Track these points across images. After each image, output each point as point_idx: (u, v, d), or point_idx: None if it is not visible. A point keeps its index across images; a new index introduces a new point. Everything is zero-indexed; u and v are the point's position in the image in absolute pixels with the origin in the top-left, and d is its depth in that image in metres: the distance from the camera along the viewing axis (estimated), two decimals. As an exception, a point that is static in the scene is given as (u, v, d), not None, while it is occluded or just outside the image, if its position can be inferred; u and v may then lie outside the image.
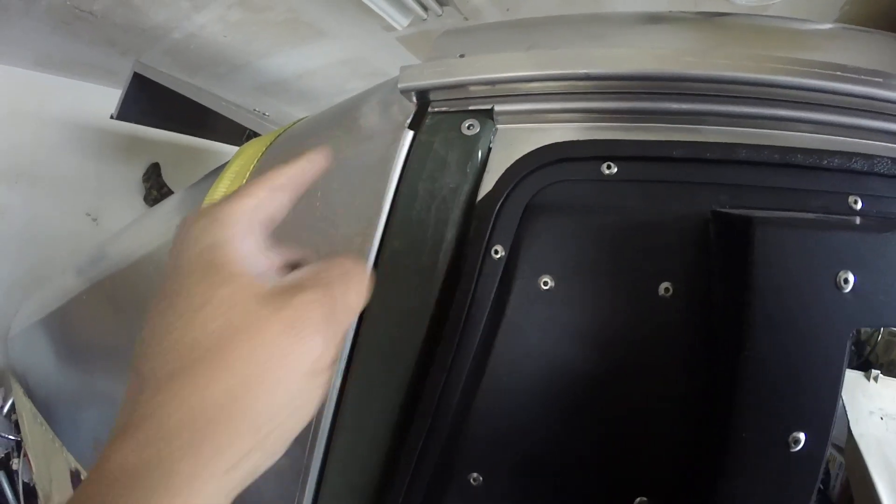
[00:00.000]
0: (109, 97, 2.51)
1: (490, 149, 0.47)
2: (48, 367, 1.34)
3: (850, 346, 0.40)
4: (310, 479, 0.52)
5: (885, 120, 0.44)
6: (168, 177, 3.14)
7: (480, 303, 0.43)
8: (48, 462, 1.30)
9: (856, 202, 0.44)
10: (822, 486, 1.52)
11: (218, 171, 0.90)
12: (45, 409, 1.27)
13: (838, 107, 0.43)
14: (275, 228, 0.56)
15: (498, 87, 0.46)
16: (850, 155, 0.44)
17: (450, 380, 0.44)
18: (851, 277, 0.36)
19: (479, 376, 0.43)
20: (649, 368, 0.41)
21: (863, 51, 0.50)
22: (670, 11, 0.57)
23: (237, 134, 2.40)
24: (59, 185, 2.62)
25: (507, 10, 2.10)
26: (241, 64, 2.61)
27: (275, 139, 0.72)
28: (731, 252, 0.38)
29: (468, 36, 0.57)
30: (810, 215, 0.41)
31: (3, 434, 1.83)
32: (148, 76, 1.79)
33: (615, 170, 0.43)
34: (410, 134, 0.49)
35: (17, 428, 1.79)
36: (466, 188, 0.46)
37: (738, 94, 0.43)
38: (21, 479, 1.82)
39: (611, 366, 0.42)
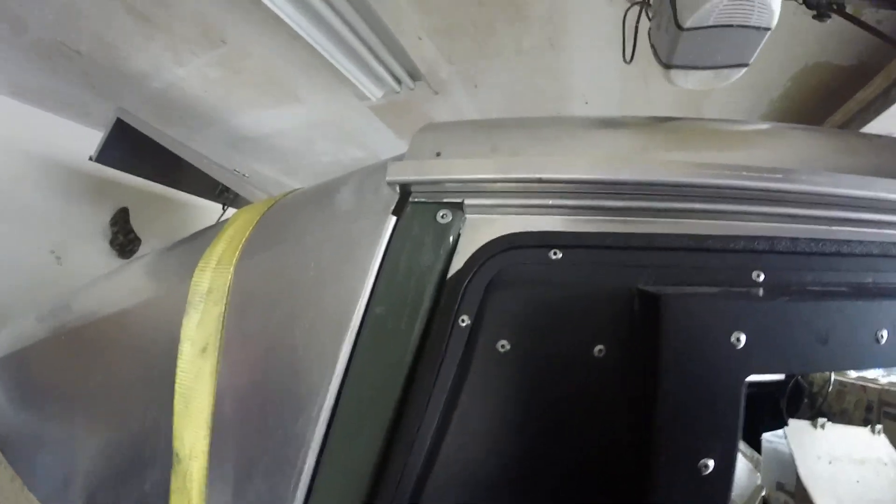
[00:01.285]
0: (82, 136, 2.54)
1: (460, 234, 0.59)
2: (8, 408, 1.34)
3: (745, 388, 0.51)
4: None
5: (784, 206, 0.57)
6: (136, 223, 3.15)
7: (449, 361, 0.53)
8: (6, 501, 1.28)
9: (758, 275, 0.56)
10: None
11: (195, 238, 0.98)
12: (6, 448, 1.26)
13: (743, 199, 0.56)
14: (273, 291, 0.66)
15: (467, 185, 0.58)
16: (753, 238, 0.57)
17: (422, 426, 0.53)
18: (743, 337, 0.49)
19: (446, 423, 0.53)
20: (588, 416, 0.52)
21: (781, 147, 0.64)
22: (623, 116, 0.71)
23: (210, 188, 2.47)
24: (24, 218, 2.57)
25: (475, 85, 2.29)
26: (215, 118, 2.71)
27: (267, 209, 0.82)
28: (649, 320, 0.50)
29: (444, 133, 0.69)
30: (713, 289, 0.54)
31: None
32: (131, 123, 1.86)
33: (560, 255, 0.55)
34: (394, 219, 0.61)
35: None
36: (439, 267, 0.57)
37: (659, 193, 0.56)
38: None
39: (556, 415, 0.52)
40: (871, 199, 0.57)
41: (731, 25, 0.94)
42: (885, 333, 0.54)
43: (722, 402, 0.49)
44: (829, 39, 1.86)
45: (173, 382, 0.77)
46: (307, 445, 0.60)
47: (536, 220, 0.58)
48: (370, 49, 1.95)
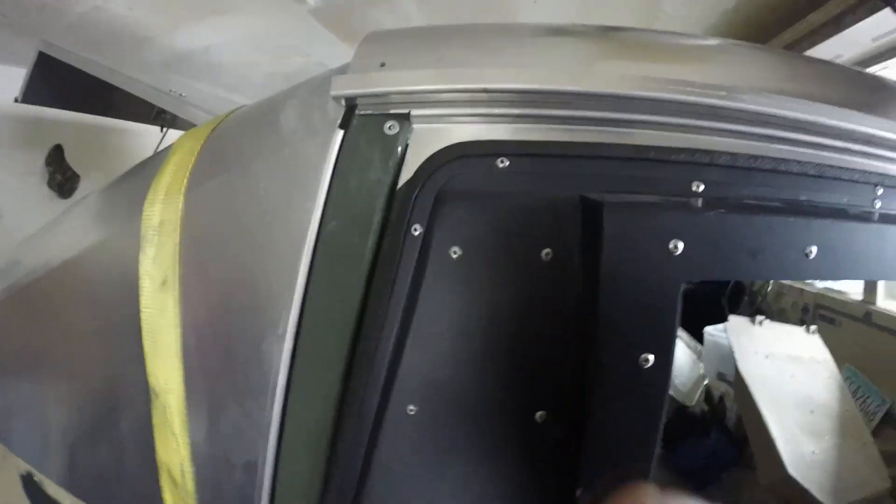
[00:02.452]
0: (7, 77, 2.39)
1: (407, 145, 0.60)
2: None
3: (682, 293, 0.56)
4: (271, 433, 0.64)
5: (726, 122, 0.61)
6: (72, 159, 3.03)
7: (404, 269, 0.57)
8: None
9: (698, 186, 0.60)
10: (719, 418, 1.79)
11: (139, 170, 0.97)
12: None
13: (686, 113, 0.59)
14: (226, 218, 0.67)
15: (413, 96, 0.59)
16: (694, 151, 0.61)
17: (383, 333, 0.57)
18: (681, 245, 0.54)
19: (406, 329, 0.58)
20: (537, 315, 0.57)
21: (727, 64, 0.67)
22: (572, 24, 0.72)
23: (146, 112, 2.37)
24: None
25: (424, -16, 2.19)
26: (145, 39, 2.54)
27: (210, 132, 0.81)
28: (592, 227, 0.54)
29: (388, 43, 0.69)
30: (654, 198, 0.58)
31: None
32: (55, 56, 1.75)
33: (507, 164, 0.57)
34: (341, 133, 0.62)
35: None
36: (388, 179, 0.59)
37: (603, 104, 0.58)
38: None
39: (508, 314, 0.57)
40: (809, 123, 0.61)
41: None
42: (813, 249, 0.60)
43: (660, 303, 0.55)
44: None
45: (138, 321, 0.79)
46: (276, 365, 0.64)
47: (483, 128, 0.60)
48: (306, -52, 1.83)
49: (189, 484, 0.75)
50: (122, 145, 3.34)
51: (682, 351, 2.05)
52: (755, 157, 0.63)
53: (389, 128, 0.60)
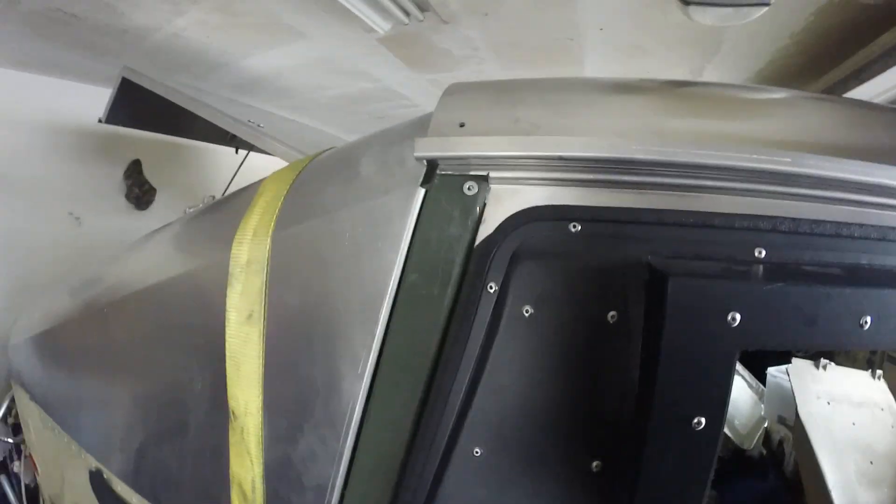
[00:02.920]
0: (90, 96, 2.60)
1: (485, 205, 0.65)
2: (56, 377, 1.49)
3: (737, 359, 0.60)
4: (343, 461, 0.70)
5: (790, 186, 0.62)
6: (150, 173, 3.25)
7: (479, 323, 0.62)
8: (60, 464, 1.44)
9: (760, 252, 0.63)
10: (777, 462, 1.74)
11: (234, 199, 1.05)
12: (56, 414, 1.41)
13: (750, 178, 0.62)
14: (311, 262, 0.74)
15: (491, 160, 0.64)
16: (757, 217, 0.63)
17: (456, 379, 0.62)
18: (738, 316, 0.57)
19: (477, 377, 0.62)
20: (600, 373, 0.62)
21: (794, 119, 0.69)
22: (640, 80, 0.75)
23: (221, 135, 2.52)
24: (39, 186, 2.71)
25: (486, 14, 2.25)
26: (221, 63, 2.72)
27: (296, 177, 0.88)
28: (656, 294, 0.58)
29: (468, 98, 0.74)
30: (717, 267, 0.61)
31: (1, 437, 1.94)
32: (136, 82, 1.90)
33: (578, 228, 0.62)
34: (422, 192, 0.67)
35: (14, 431, 1.92)
36: (467, 236, 0.64)
37: (670, 170, 0.62)
38: (23, 480, 1.95)
39: (573, 371, 0.62)
40: (873, 185, 0.62)
41: (750, -39, 0.91)
42: (868, 320, 0.61)
43: (715, 370, 0.58)
44: None
45: (222, 347, 0.87)
46: (354, 400, 0.70)
47: (558, 191, 0.64)
48: (375, -18, 1.93)
49: (259, 499, 0.82)
50: (198, 162, 3.56)
51: (744, 391, 1.98)
52: (817, 222, 0.64)
53: (469, 188, 0.65)
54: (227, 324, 0.87)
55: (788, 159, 0.60)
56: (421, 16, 2.20)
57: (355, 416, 0.70)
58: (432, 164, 0.68)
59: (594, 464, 0.62)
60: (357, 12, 2.05)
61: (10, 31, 2.17)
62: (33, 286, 2.18)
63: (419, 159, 0.67)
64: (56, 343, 1.46)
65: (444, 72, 3.04)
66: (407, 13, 2.15)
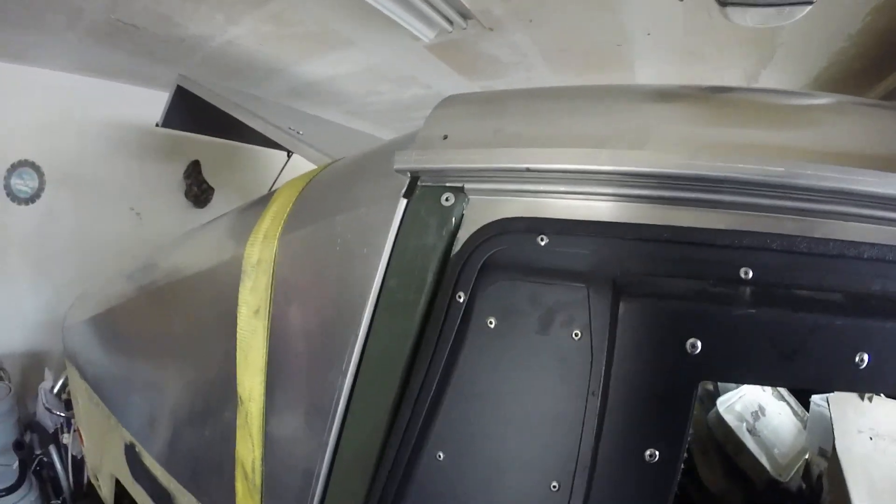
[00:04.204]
0: (151, 99, 2.79)
1: (463, 216, 0.68)
2: (102, 356, 1.61)
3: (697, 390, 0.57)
4: (328, 449, 0.75)
5: (782, 200, 0.56)
6: (208, 173, 3.45)
7: (447, 332, 0.64)
8: (101, 437, 1.56)
9: (746, 273, 0.56)
10: (815, 497, 1.64)
11: (257, 203, 1.13)
12: (101, 390, 1.54)
13: (735, 191, 0.56)
14: (309, 263, 0.79)
15: (466, 172, 0.67)
16: (743, 233, 0.58)
17: (424, 384, 0.65)
18: (699, 344, 0.54)
19: (444, 384, 0.65)
20: (562, 391, 0.61)
21: (779, 126, 0.62)
22: (632, 86, 0.75)
23: (269, 139, 2.63)
24: (103, 184, 2.94)
25: (531, 20, 2.27)
26: (274, 69, 2.86)
27: (305, 186, 0.94)
28: (614, 312, 0.57)
29: (457, 111, 0.77)
30: (679, 286, 0.57)
31: (55, 411, 2.11)
32: (190, 90, 2.03)
33: (546, 241, 0.62)
34: (404, 202, 0.71)
35: (66, 406, 2.09)
36: (442, 246, 0.67)
37: (642, 182, 0.59)
38: (70, 452, 2.11)
39: (534, 387, 0.62)
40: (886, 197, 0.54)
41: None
42: (865, 357, 0.53)
43: (671, 401, 0.56)
44: None
45: (235, 337, 0.93)
46: (339, 392, 0.74)
47: (532, 203, 0.65)
48: (417, -8, 1.99)
49: (258, 479, 0.88)
50: (254, 164, 3.76)
51: (788, 418, 1.89)
52: (818, 241, 0.57)
53: (446, 199, 0.68)
54: (238, 317, 0.93)
55: (781, 169, 0.53)
56: (464, 23, 2.24)
57: (339, 409, 0.74)
58: (414, 176, 0.71)
59: (552, 484, 0.60)
60: (401, 21, 2.11)
61: (74, 39, 2.37)
62: (95, 278, 2.35)
63: (399, 171, 0.70)
64: (102, 326, 1.58)
65: (494, 78, 3.07)
66: (450, 21, 2.20)
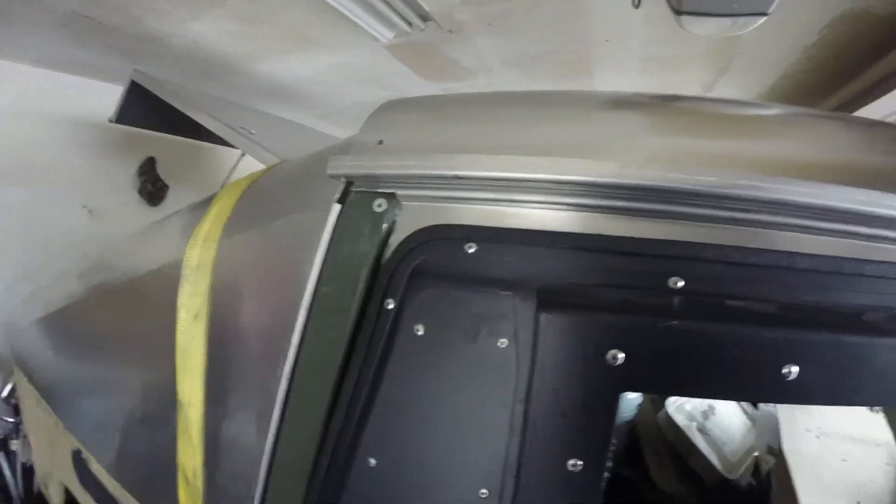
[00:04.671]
0: (107, 93, 2.69)
1: (395, 222, 0.68)
2: (50, 359, 1.56)
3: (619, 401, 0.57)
4: (265, 455, 0.74)
5: (714, 209, 0.56)
6: (163, 171, 3.36)
7: (377, 339, 0.64)
8: (50, 443, 1.52)
9: (676, 283, 0.56)
10: (765, 494, 1.68)
11: (200, 204, 1.11)
12: (48, 395, 1.49)
13: (668, 200, 0.57)
14: (247, 268, 0.77)
15: (398, 178, 0.66)
16: (673, 243, 0.58)
17: (355, 391, 0.65)
18: (621, 356, 0.54)
19: (374, 391, 0.64)
20: (488, 400, 0.61)
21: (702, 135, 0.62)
22: (565, 93, 0.75)
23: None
24: (56, 179, 2.82)
25: (490, 24, 2.28)
26: (235, 68, 2.81)
27: (245, 190, 0.93)
28: (537, 322, 0.57)
29: (394, 117, 0.76)
30: (602, 296, 0.58)
31: (3, 416, 2.04)
32: (144, 85, 1.98)
33: (474, 249, 0.62)
34: (338, 207, 0.70)
35: (15, 411, 2.02)
36: (373, 252, 0.67)
37: (570, 190, 0.59)
38: (20, 459, 2.05)
39: (460, 396, 0.62)
40: (821, 208, 0.54)
41: (743, -28, 0.86)
42: (794, 369, 0.54)
43: (592, 412, 0.56)
44: None
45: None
46: (274, 398, 0.73)
47: (462, 210, 0.65)
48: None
49: (200, 484, 0.87)
50: (210, 161, 3.67)
51: (737, 418, 1.92)
52: (751, 251, 0.57)
53: (378, 205, 0.67)
54: (178, 321, 0.91)
55: (713, 178, 0.54)
56: (423, 25, 2.23)
57: (275, 414, 0.73)
58: (348, 182, 0.70)
59: (481, 491, 0.60)
60: (359, 21, 2.10)
61: (31, 30, 2.28)
62: (45, 275, 2.27)
63: (334, 176, 0.70)
64: (49, 328, 1.54)
65: (455, 81, 3.07)
66: (409, 23, 2.19)
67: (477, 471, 0.61)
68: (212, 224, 0.90)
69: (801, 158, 0.59)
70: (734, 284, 0.57)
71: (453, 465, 0.63)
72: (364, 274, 0.67)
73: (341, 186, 0.71)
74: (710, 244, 0.58)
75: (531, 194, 0.62)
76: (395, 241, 0.67)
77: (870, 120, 0.72)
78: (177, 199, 3.44)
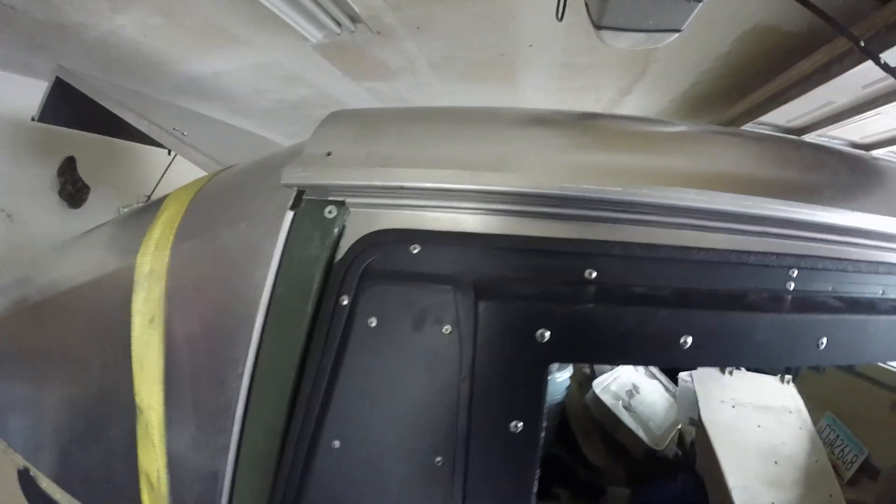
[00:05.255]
0: (25, 88, 2.56)
1: (344, 227, 0.74)
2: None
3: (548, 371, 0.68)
4: (230, 452, 0.79)
5: (621, 212, 0.69)
6: (83, 171, 3.21)
7: (333, 333, 0.71)
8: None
9: (590, 274, 0.70)
10: (690, 462, 1.84)
11: (146, 210, 1.12)
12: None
13: (579, 205, 0.69)
14: (202, 273, 0.82)
15: (347, 188, 0.73)
16: (584, 241, 0.70)
17: (315, 382, 0.71)
18: (548, 333, 0.65)
19: (333, 380, 0.71)
20: (437, 380, 0.69)
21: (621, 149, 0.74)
22: (499, 110, 0.84)
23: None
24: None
25: (418, 27, 2.34)
26: (159, 63, 2.73)
27: (195, 194, 0.96)
28: (476, 310, 0.67)
29: (340, 128, 0.82)
30: (530, 287, 0.69)
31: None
32: (70, 83, 1.92)
33: (418, 250, 0.70)
34: (291, 214, 0.76)
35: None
36: (325, 255, 0.73)
37: (501, 199, 0.70)
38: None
39: (412, 378, 0.71)
40: (700, 210, 0.67)
41: (658, -5, 0.94)
42: (688, 340, 0.67)
43: (528, 380, 0.67)
44: (779, 3, 1.90)
45: (130, 348, 0.94)
46: (236, 397, 0.78)
47: (405, 216, 0.73)
48: (305, -7, 2.00)
49: (163, 488, 0.90)
50: (133, 161, 3.53)
51: (660, 395, 2.09)
52: (651, 246, 0.70)
53: (329, 212, 0.74)
54: (132, 327, 0.94)
55: (619, 188, 0.66)
56: (353, 27, 2.27)
57: (238, 411, 0.78)
58: (300, 190, 0.76)
59: (437, 459, 0.69)
60: (289, 20, 2.11)
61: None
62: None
63: (287, 185, 0.75)
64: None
65: (381, 81, 3.11)
66: (339, 23, 2.22)
67: (431, 442, 0.70)
68: (162, 230, 0.93)
69: (694, 169, 0.72)
70: (637, 274, 0.71)
71: (410, 440, 0.71)
72: (318, 274, 0.73)
73: (293, 195, 0.76)
74: (617, 241, 0.71)
75: (463, 202, 0.72)
76: (345, 244, 0.74)
77: (758, 133, 0.87)
78: (98, 200, 3.30)
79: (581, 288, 0.70)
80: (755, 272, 0.74)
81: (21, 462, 1.25)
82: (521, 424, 0.67)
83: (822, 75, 2.17)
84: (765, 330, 0.71)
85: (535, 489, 0.69)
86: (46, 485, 1.18)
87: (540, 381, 0.67)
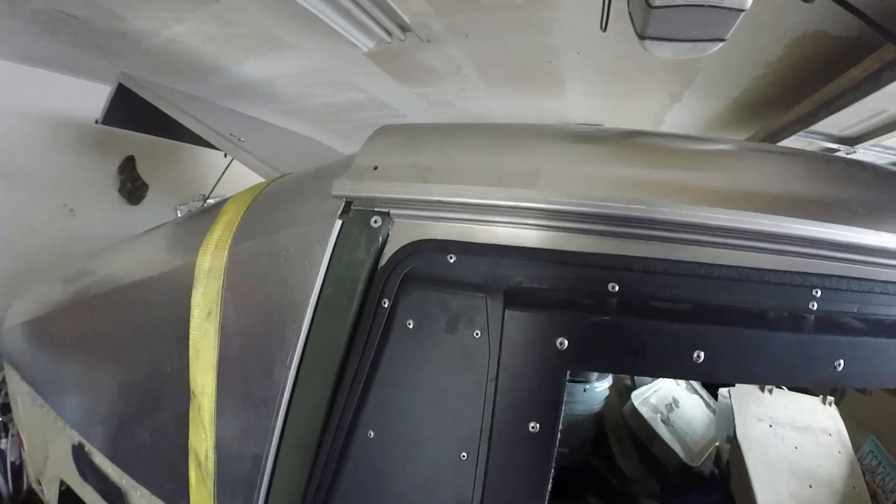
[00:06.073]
0: (90, 91, 2.78)
1: (388, 235, 0.84)
2: (46, 359, 1.68)
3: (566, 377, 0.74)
4: (274, 436, 0.89)
5: (644, 229, 0.74)
6: (142, 170, 3.45)
7: (374, 332, 0.81)
8: (45, 440, 1.63)
9: (613, 287, 0.76)
10: (724, 481, 1.83)
11: (206, 212, 1.25)
12: (44, 393, 1.60)
13: (607, 222, 0.74)
14: (257, 272, 0.93)
15: (392, 200, 0.82)
16: (608, 256, 0.76)
17: (356, 375, 0.81)
18: (566, 342, 0.72)
19: (372, 375, 0.81)
20: (467, 380, 0.77)
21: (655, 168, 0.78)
22: (537, 126, 0.92)
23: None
24: (36, 178, 2.90)
25: (466, 35, 2.44)
26: (214, 68, 2.93)
27: (253, 200, 1.08)
28: (504, 317, 0.75)
29: (387, 143, 0.91)
30: (551, 297, 0.76)
31: (-9, 416, 2.12)
32: (132, 88, 2.09)
33: (454, 259, 0.79)
34: (339, 222, 0.86)
35: (3, 410, 2.10)
36: (370, 260, 0.83)
37: (526, 214, 0.77)
38: (8, 458, 2.13)
39: (444, 377, 0.79)
40: (719, 228, 0.71)
41: (701, 5, 0.99)
42: (701, 354, 0.70)
43: (546, 385, 0.74)
44: (829, 9, 1.86)
45: (187, 338, 1.06)
46: (282, 386, 0.89)
47: (444, 227, 0.82)
48: (358, 4, 2.11)
49: (210, 466, 1.02)
50: (190, 160, 3.77)
51: (700, 410, 2.10)
52: (672, 262, 0.74)
53: (374, 222, 0.84)
54: (191, 319, 1.06)
55: (643, 206, 0.71)
56: (403, 35, 2.38)
57: (284, 399, 0.89)
58: (348, 201, 0.86)
59: (462, 454, 0.77)
60: (341, 30, 2.23)
61: (14, 27, 2.36)
62: (28, 272, 2.35)
63: (335, 196, 0.86)
64: (47, 328, 1.65)
65: (430, 86, 3.23)
66: (389, 33, 2.33)
67: (458, 438, 0.78)
68: (222, 232, 1.05)
69: (719, 186, 0.76)
70: (657, 288, 0.76)
71: (439, 434, 0.80)
72: (362, 278, 0.83)
73: (342, 205, 0.87)
74: (639, 257, 0.76)
75: (496, 216, 0.80)
76: (388, 251, 0.84)
77: (790, 149, 0.90)
78: (156, 197, 3.54)
79: (605, 300, 0.76)
80: (776, 290, 0.76)
81: (77, 438, 1.41)
82: (538, 425, 0.74)
83: (873, 83, 2.13)
84: (779, 348, 0.73)
85: (549, 487, 0.75)
86: (99, 459, 1.33)
87: (557, 385, 0.74)
